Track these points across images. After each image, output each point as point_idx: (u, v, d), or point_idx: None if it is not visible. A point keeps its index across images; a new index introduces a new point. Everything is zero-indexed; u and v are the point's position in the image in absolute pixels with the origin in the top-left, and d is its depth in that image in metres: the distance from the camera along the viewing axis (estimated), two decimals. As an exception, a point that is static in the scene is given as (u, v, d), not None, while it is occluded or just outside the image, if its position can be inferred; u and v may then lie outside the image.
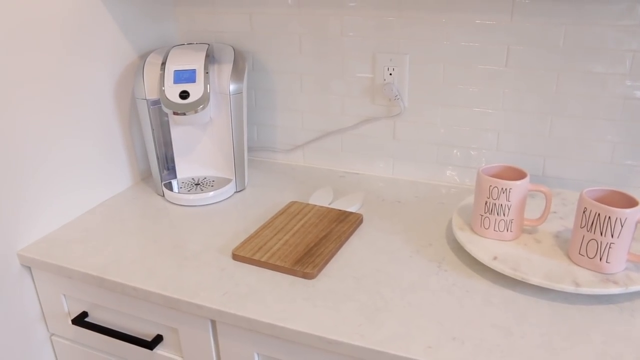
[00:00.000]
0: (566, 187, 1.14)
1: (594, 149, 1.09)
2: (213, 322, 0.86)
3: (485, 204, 0.90)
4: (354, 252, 0.95)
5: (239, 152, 1.16)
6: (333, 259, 0.94)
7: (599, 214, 0.81)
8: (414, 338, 0.75)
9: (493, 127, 1.14)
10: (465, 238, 0.93)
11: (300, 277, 0.88)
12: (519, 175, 0.92)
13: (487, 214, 0.91)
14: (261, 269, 0.90)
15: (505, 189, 0.88)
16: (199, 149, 1.19)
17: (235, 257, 0.93)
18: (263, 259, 0.91)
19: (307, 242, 0.96)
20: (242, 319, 0.80)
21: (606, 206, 0.80)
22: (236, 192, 1.19)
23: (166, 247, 0.97)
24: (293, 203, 1.10)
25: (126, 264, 0.92)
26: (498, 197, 0.89)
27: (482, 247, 0.90)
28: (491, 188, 0.89)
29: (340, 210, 1.07)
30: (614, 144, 1.07)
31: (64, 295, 0.99)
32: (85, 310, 0.99)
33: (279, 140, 1.35)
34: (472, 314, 0.79)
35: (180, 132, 1.17)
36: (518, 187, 0.88)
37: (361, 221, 1.05)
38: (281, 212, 1.07)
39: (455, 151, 1.19)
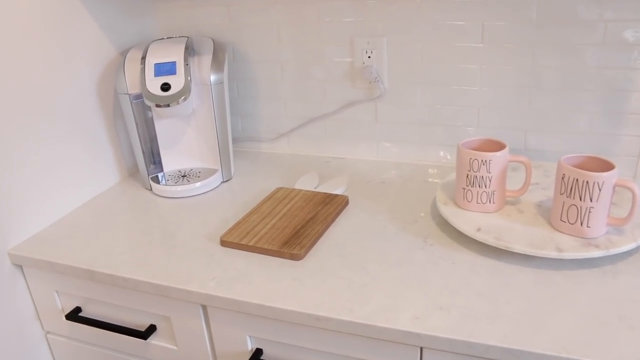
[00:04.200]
0: (548, 159, 1.15)
1: (573, 120, 1.10)
2: (204, 308, 0.87)
3: (467, 177, 0.92)
4: (340, 233, 0.97)
5: (223, 141, 1.17)
6: (320, 240, 0.95)
7: (577, 180, 0.82)
8: (401, 310, 0.76)
9: (473, 104, 1.16)
10: (449, 212, 0.94)
11: (288, 258, 0.89)
12: (498, 147, 0.93)
13: (469, 187, 0.92)
14: (249, 254, 0.91)
15: (486, 161, 0.89)
16: (183, 141, 1.20)
17: (224, 243, 0.94)
18: (251, 243, 0.92)
19: (294, 224, 0.97)
20: (232, 302, 0.81)
21: (583, 171, 0.81)
22: (223, 182, 1.20)
23: (155, 237, 0.98)
24: (279, 189, 1.11)
25: (115, 256, 0.93)
26: (479, 170, 0.90)
27: (465, 220, 0.91)
28: (471, 161, 0.90)
29: (325, 193, 1.08)
30: (591, 114, 1.09)
31: (57, 291, 1.00)
32: (79, 305, 0.99)
33: (264, 129, 1.36)
34: (458, 284, 0.81)
35: (164, 126, 1.18)
36: (498, 158, 0.89)
37: (347, 203, 1.06)
38: (268, 198, 1.08)
39: (437, 130, 1.20)
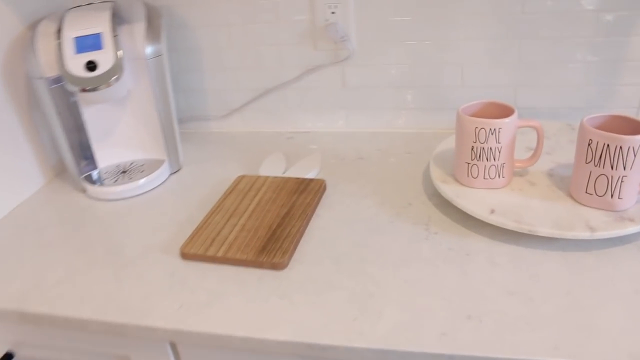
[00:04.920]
0: (542, 117, 1.02)
1: (569, 72, 0.97)
2: (173, 345, 0.70)
3: (472, 149, 0.77)
4: (325, 228, 0.81)
5: (167, 126, 0.98)
6: (302, 239, 0.79)
7: (608, 145, 0.69)
8: (422, 325, 0.61)
9: (455, 61, 1.01)
10: (452, 192, 0.80)
11: (268, 268, 0.73)
12: (503, 111, 0.79)
13: (475, 161, 0.78)
14: (220, 266, 0.74)
15: (494, 130, 0.75)
16: (119, 130, 0.99)
17: (185, 255, 0.76)
18: (219, 254, 0.75)
19: (268, 223, 0.80)
20: (208, 337, 0.64)
21: (617, 135, 0.68)
22: (171, 174, 1.01)
23: (97, 256, 0.79)
24: (241, 178, 0.94)
25: (50, 288, 0.74)
26: (486, 140, 0.76)
27: (474, 200, 0.77)
28: (477, 130, 0.76)
29: (297, 178, 0.92)
30: (588, 64, 0.96)
31: (-21, 333, 0.80)
32: (10, 350, 0.80)
33: (211, 105, 1.17)
34: (480, 282, 0.67)
35: (93, 113, 0.97)
36: (508, 126, 0.75)
37: (324, 188, 0.90)
38: (230, 191, 0.90)
39: (415, 93, 1.05)
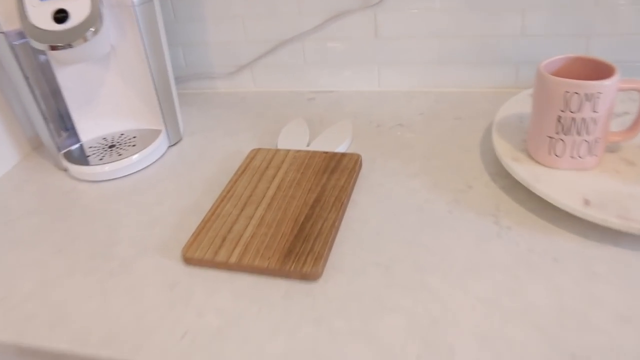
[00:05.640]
0: (624, 74, 0.84)
1: (660, 14, 0.78)
2: (175, 386, 0.55)
3: (559, 120, 0.59)
4: (364, 219, 0.64)
5: (163, 88, 0.80)
6: (338, 235, 0.62)
7: None
8: (511, 368, 0.45)
9: (514, 4, 0.81)
10: (529, 174, 0.62)
11: (297, 279, 0.56)
12: (595, 69, 0.61)
13: (562, 135, 0.60)
14: (233, 275, 0.58)
15: (591, 95, 0.57)
16: (103, 94, 0.82)
17: (189, 260, 0.60)
18: (233, 260, 0.58)
19: (294, 214, 0.64)
20: (223, 380, 0.48)
21: None
22: (170, 146, 0.84)
23: (80, 257, 0.63)
24: (256, 151, 0.76)
25: (18, 304, 0.57)
26: (580, 109, 0.58)
27: (559, 186, 0.60)
28: (568, 95, 0.57)
29: (326, 152, 0.74)
30: (681, 3, 0.77)
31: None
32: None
33: (216, 61, 0.98)
34: (579, 301, 0.51)
35: (70, 74, 0.79)
36: (608, 89, 0.57)
37: (360, 165, 0.73)
38: (242, 169, 0.73)
39: (463, 44, 0.86)
